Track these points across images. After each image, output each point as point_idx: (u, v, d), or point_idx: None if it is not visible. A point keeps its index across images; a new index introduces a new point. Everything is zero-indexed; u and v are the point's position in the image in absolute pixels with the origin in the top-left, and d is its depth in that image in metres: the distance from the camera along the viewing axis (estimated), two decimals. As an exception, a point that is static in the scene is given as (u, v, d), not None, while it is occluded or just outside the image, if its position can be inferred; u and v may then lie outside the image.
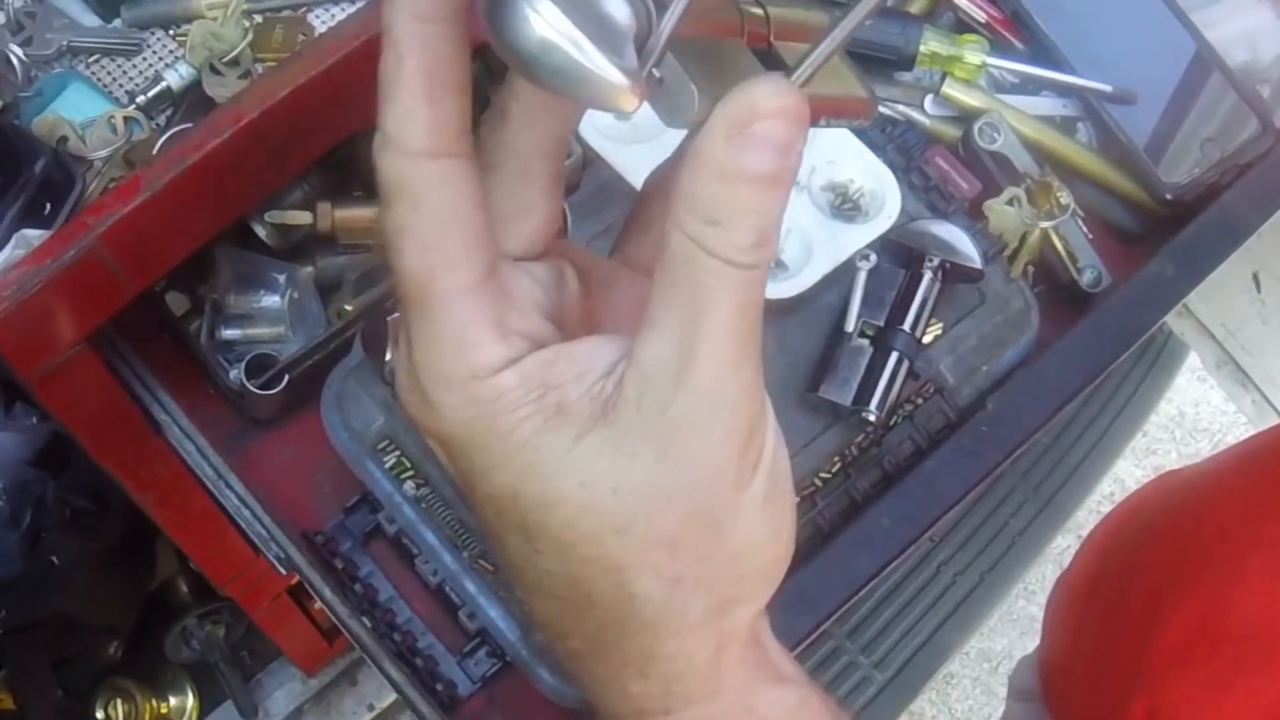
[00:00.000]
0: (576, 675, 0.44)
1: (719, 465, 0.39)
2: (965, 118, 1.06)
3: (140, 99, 0.89)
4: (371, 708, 1.51)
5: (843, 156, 0.97)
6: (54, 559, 1.02)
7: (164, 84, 0.90)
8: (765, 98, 0.36)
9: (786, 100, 0.36)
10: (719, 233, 0.36)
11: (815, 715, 0.45)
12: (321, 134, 0.82)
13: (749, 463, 0.39)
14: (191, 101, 0.91)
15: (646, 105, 0.42)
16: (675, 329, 0.38)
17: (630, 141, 0.93)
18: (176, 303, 0.96)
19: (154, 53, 0.92)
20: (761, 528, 0.41)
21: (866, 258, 0.93)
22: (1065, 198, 1.01)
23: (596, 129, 0.93)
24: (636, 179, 0.91)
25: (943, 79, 1.05)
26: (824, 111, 0.41)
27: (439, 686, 0.90)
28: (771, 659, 0.45)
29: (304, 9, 0.93)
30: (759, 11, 0.41)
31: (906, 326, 0.91)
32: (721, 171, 0.36)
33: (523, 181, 0.42)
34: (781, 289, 0.91)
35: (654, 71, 0.37)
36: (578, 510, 0.39)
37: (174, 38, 0.93)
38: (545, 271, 0.43)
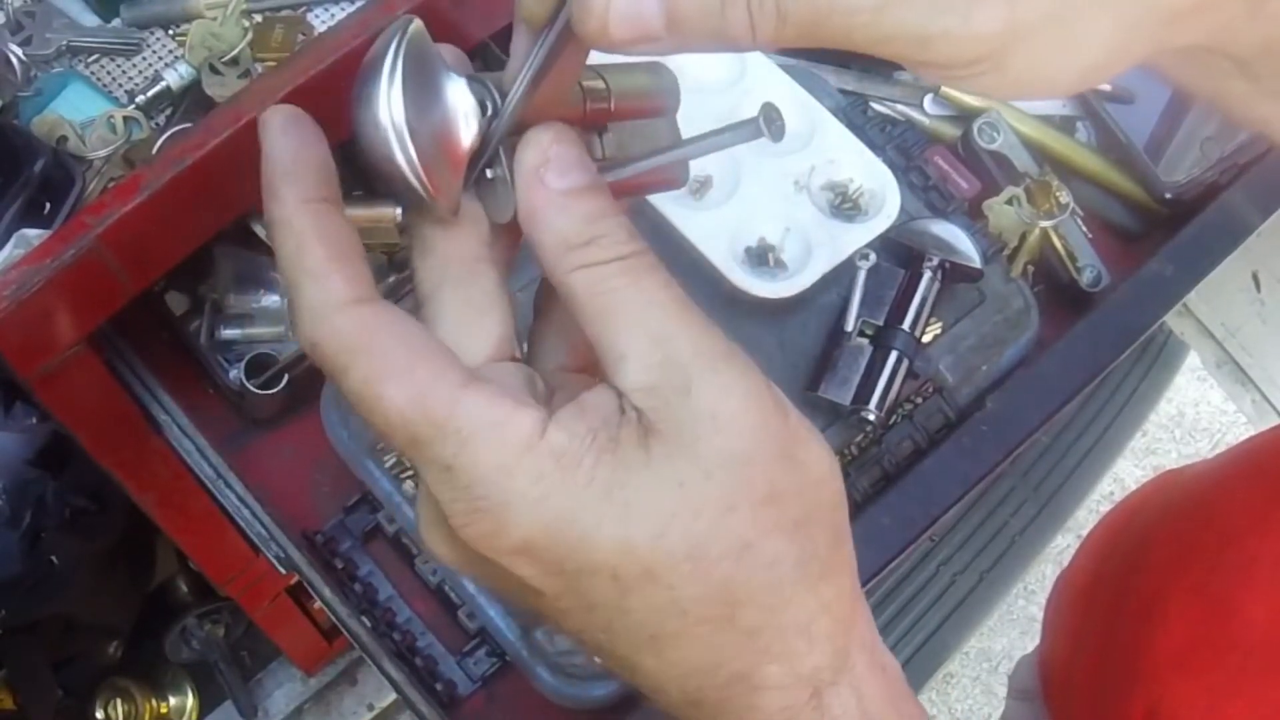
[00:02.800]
0: (737, 689, 0.42)
1: (764, 408, 0.40)
2: (964, 117, 1.06)
3: (140, 99, 0.89)
4: (371, 707, 1.51)
5: (842, 156, 0.97)
6: (54, 559, 1.02)
7: (163, 84, 0.90)
8: (541, 136, 0.41)
9: (556, 130, 0.41)
10: (594, 247, 0.40)
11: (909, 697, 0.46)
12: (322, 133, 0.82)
13: (772, 399, 0.41)
14: (191, 101, 0.91)
15: None
16: (633, 337, 0.40)
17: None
18: (176, 302, 0.96)
19: (153, 52, 0.92)
20: (817, 447, 0.42)
21: (866, 257, 0.93)
22: (1065, 197, 1.01)
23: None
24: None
25: (942, 78, 1.05)
26: (630, 191, 0.45)
27: (438, 686, 0.90)
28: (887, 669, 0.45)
29: (303, 8, 0.93)
30: (600, 84, 0.44)
31: (906, 326, 0.91)
32: (550, 203, 0.40)
33: (469, 291, 0.43)
34: (781, 288, 0.91)
35: (486, 171, 0.42)
36: (689, 515, 0.39)
37: (173, 37, 0.93)
38: (516, 369, 0.43)
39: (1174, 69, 0.47)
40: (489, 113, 0.41)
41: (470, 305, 0.42)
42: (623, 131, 0.45)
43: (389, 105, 0.39)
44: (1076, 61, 0.39)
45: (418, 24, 0.40)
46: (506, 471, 0.38)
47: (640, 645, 0.41)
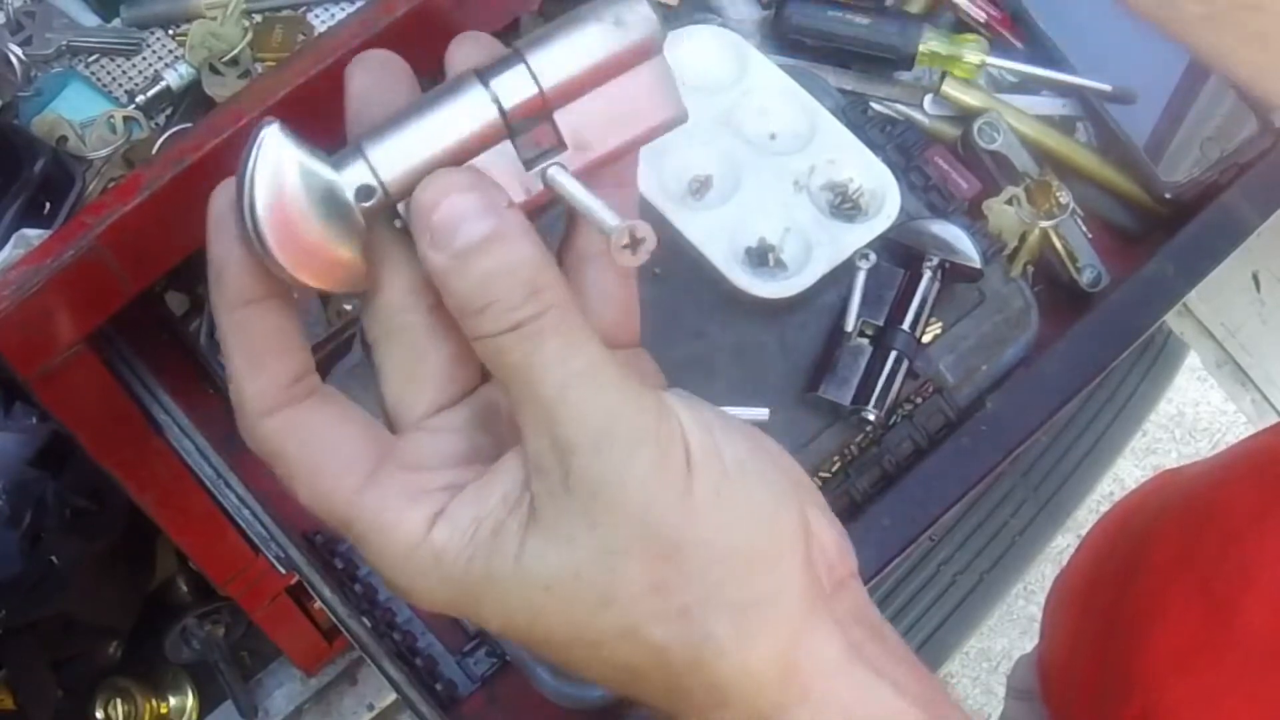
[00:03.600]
0: None
1: (646, 497, 0.39)
2: (965, 117, 1.06)
3: (140, 98, 0.89)
4: (371, 707, 1.51)
5: (842, 156, 0.97)
6: (54, 559, 1.02)
7: (163, 83, 0.90)
8: (422, 198, 0.39)
9: (437, 186, 0.39)
10: (484, 316, 0.38)
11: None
12: (320, 134, 0.82)
13: (674, 472, 0.39)
14: (191, 101, 0.91)
15: None
16: (529, 414, 0.39)
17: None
18: (176, 302, 0.96)
19: (153, 52, 0.93)
20: (735, 519, 0.40)
21: (866, 257, 0.93)
22: (1064, 197, 1.01)
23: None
24: (636, 178, 0.91)
25: (942, 78, 1.05)
26: (617, 156, 0.42)
27: (438, 686, 0.90)
28: (868, 643, 0.43)
29: (303, 8, 0.93)
30: (527, 87, 0.41)
31: (906, 326, 0.91)
32: (443, 271, 0.39)
33: (405, 341, 0.43)
34: (781, 288, 0.91)
35: (396, 223, 0.41)
36: (561, 608, 0.40)
37: (173, 37, 0.93)
38: (466, 410, 0.43)
39: None
40: (364, 191, 0.40)
41: (408, 356, 0.43)
42: (588, 106, 0.41)
43: (248, 202, 0.39)
44: None
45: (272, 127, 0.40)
46: (398, 567, 0.41)
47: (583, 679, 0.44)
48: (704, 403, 0.42)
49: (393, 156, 0.40)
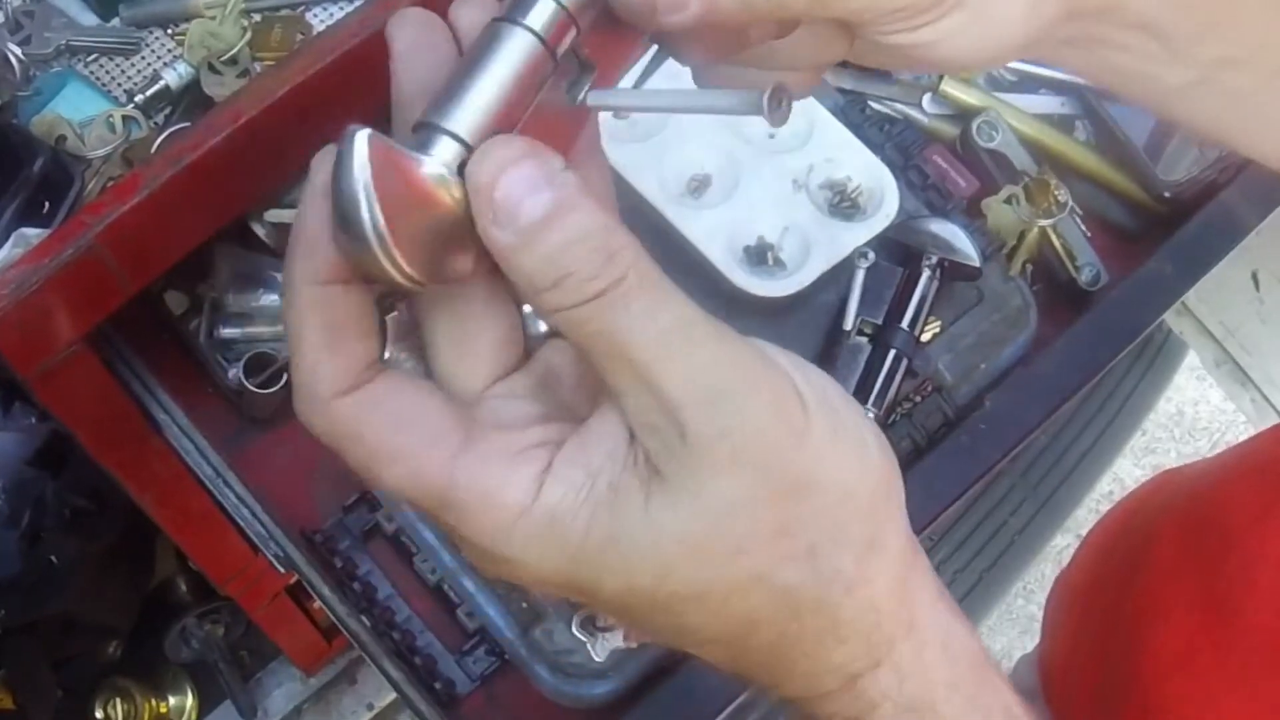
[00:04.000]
0: (786, 688, 0.43)
1: (766, 443, 0.38)
2: (963, 116, 1.06)
3: (139, 98, 0.89)
4: (371, 707, 1.51)
5: (841, 155, 0.97)
6: (53, 559, 1.02)
7: (162, 83, 0.90)
8: (480, 175, 0.37)
9: (493, 160, 0.37)
10: (560, 290, 0.37)
11: (985, 660, 0.45)
12: (320, 133, 0.82)
13: (792, 417, 0.39)
14: (190, 100, 0.91)
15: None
16: (624, 377, 0.38)
17: (630, 141, 0.93)
18: (175, 301, 0.96)
19: (152, 52, 0.93)
20: (847, 460, 0.40)
21: (865, 256, 0.93)
22: (1063, 196, 1.01)
23: (595, 128, 0.93)
24: (636, 177, 0.91)
25: (940, 77, 1.05)
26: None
27: (438, 685, 0.90)
28: (943, 588, 0.44)
29: (302, 8, 0.93)
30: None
31: (905, 324, 0.91)
32: (510, 250, 0.37)
33: (455, 314, 0.42)
34: (779, 287, 0.91)
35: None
36: (691, 564, 0.39)
37: (172, 37, 0.93)
38: (527, 378, 0.42)
39: (1095, 61, 0.47)
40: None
41: (459, 328, 0.42)
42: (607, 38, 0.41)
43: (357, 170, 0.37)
44: (1005, 25, 0.41)
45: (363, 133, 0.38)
46: (505, 537, 0.39)
47: (679, 646, 0.42)
48: (792, 352, 0.42)
49: (471, 122, 0.39)
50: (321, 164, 0.39)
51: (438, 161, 0.38)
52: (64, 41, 0.90)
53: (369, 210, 0.37)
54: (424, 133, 0.39)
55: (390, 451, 0.39)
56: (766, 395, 0.39)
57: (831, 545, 0.40)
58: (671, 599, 0.39)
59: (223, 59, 0.90)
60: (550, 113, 0.41)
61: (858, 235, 0.94)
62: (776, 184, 0.95)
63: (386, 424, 0.39)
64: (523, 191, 0.37)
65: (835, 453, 0.40)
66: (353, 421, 0.39)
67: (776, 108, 0.40)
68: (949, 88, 1.05)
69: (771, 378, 0.39)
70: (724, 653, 0.42)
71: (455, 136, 0.38)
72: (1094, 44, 0.46)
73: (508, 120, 0.39)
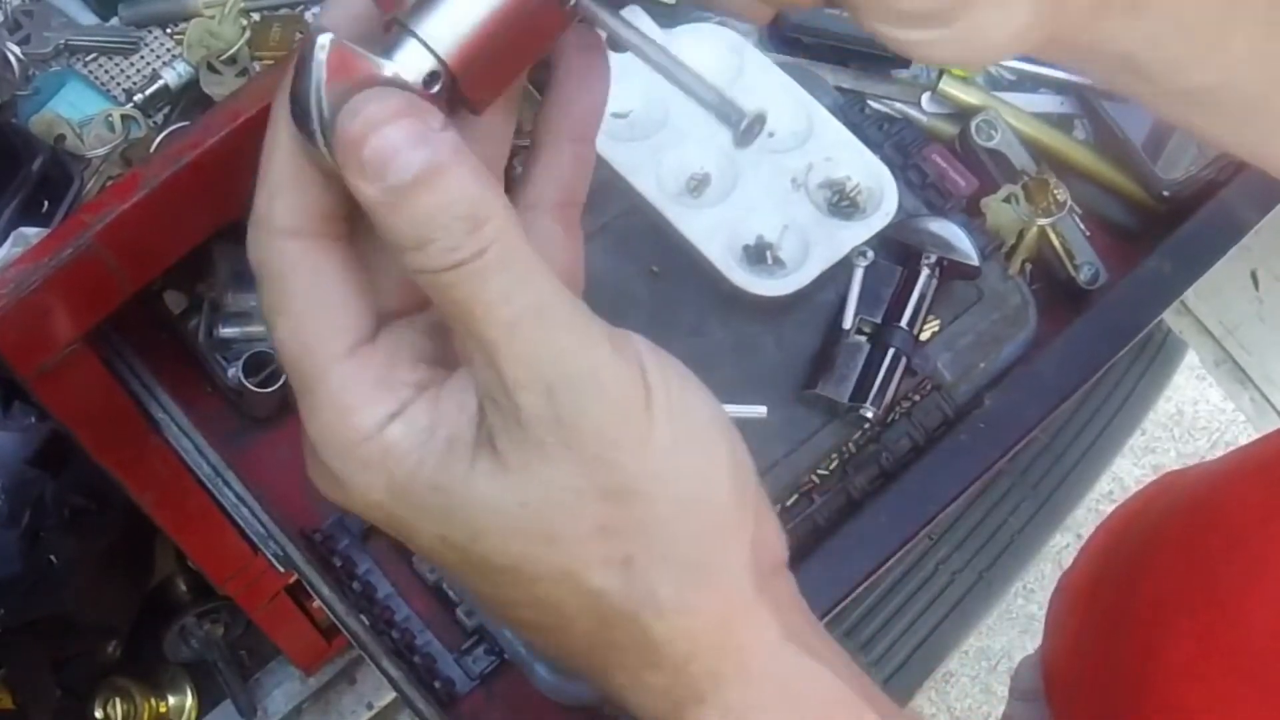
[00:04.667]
0: (607, 691, 0.43)
1: (602, 440, 0.38)
2: (962, 115, 1.06)
3: (138, 97, 0.90)
4: (370, 706, 1.51)
5: (840, 154, 0.97)
6: (53, 558, 1.02)
7: (161, 82, 0.90)
8: (350, 128, 0.37)
9: (367, 114, 0.36)
10: (423, 254, 0.36)
11: (853, 704, 0.42)
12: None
13: (635, 419, 0.38)
14: (189, 99, 0.91)
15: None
16: (476, 350, 0.38)
17: (628, 139, 0.93)
18: (174, 301, 0.96)
19: (151, 51, 0.93)
20: (687, 477, 0.39)
21: (864, 255, 0.93)
22: (1062, 195, 1.01)
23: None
24: (634, 177, 0.91)
25: (940, 76, 1.05)
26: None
27: (437, 684, 0.90)
28: (804, 630, 0.42)
29: (300, 7, 0.93)
30: None
31: (904, 324, 0.91)
32: (376, 206, 0.36)
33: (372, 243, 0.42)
34: (779, 286, 0.91)
35: None
36: (501, 534, 0.39)
37: (171, 36, 0.93)
38: (432, 316, 0.42)
39: (1093, 67, 0.47)
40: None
41: (379, 254, 0.41)
42: None
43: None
44: (1012, 20, 0.40)
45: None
46: (343, 454, 0.39)
47: (495, 617, 0.44)
48: (669, 355, 0.40)
49: (445, 31, 0.37)
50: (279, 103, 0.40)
51: (396, 69, 0.37)
52: (63, 41, 0.90)
53: (317, 110, 0.37)
54: (395, 33, 0.38)
55: (296, 310, 0.39)
56: (611, 392, 0.38)
57: (650, 561, 0.39)
58: (483, 563, 0.39)
59: (222, 58, 0.90)
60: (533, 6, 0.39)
61: (857, 234, 0.94)
62: (775, 183, 0.95)
63: (309, 285, 0.39)
64: (395, 149, 0.36)
65: (675, 465, 0.39)
66: (286, 264, 0.39)
67: (748, 131, 0.39)
68: (948, 87, 1.05)
69: (621, 376, 0.38)
70: (543, 641, 0.42)
71: (425, 45, 0.37)
72: (1080, 64, 0.46)
73: (490, 43, 0.38)
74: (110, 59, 0.92)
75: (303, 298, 0.39)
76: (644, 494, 0.38)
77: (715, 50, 0.99)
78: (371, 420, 0.39)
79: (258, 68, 0.90)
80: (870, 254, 0.93)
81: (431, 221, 0.36)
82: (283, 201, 0.39)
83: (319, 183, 0.39)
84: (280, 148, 0.39)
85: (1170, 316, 1.82)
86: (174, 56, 0.91)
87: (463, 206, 0.36)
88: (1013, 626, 1.84)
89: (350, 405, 0.39)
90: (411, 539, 0.41)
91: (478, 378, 0.39)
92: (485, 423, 0.39)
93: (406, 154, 0.36)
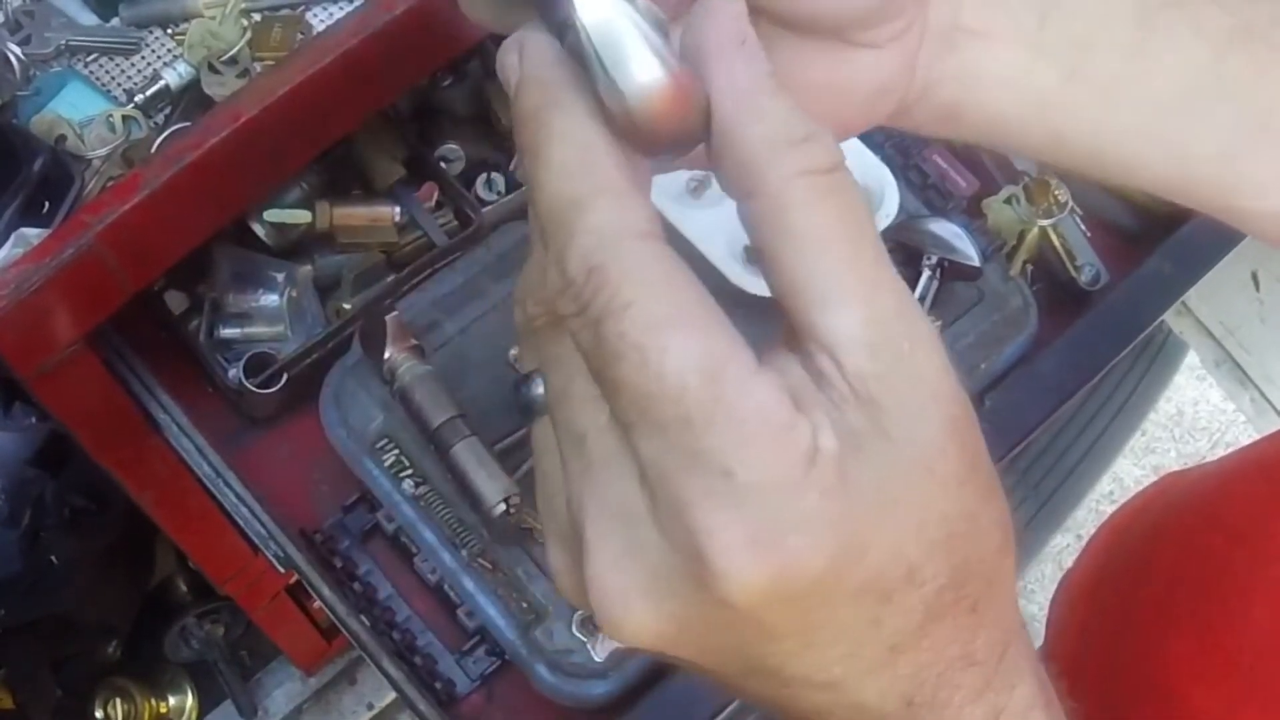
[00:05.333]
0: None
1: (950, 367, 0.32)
2: (963, 116, 1.05)
3: (139, 98, 0.89)
4: (371, 706, 1.51)
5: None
6: (53, 558, 1.02)
7: (162, 83, 0.90)
8: (730, 7, 0.33)
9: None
10: (815, 145, 0.32)
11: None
12: (320, 133, 0.82)
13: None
14: (190, 100, 0.91)
15: None
16: (853, 279, 0.32)
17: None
18: (175, 301, 0.96)
19: (152, 51, 0.93)
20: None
21: (865, 256, 0.93)
22: (1063, 196, 1.01)
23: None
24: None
25: (941, 77, 1.05)
26: None
27: (438, 685, 0.90)
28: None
29: (302, 8, 0.93)
30: None
31: (905, 324, 0.91)
32: (769, 87, 0.32)
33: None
34: (780, 287, 0.91)
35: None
36: (941, 498, 0.32)
37: (172, 36, 0.93)
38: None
39: (966, 82, 0.45)
40: None
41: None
42: None
43: None
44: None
45: None
46: (796, 489, 0.30)
47: (872, 665, 0.34)
48: None
49: None
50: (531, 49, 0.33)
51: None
52: (64, 41, 0.90)
53: (645, 40, 0.31)
54: None
55: (695, 320, 0.31)
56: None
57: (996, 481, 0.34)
58: (925, 554, 0.32)
59: (223, 59, 0.90)
60: None
61: (858, 235, 0.94)
62: (776, 184, 0.95)
63: (696, 292, 0.32)
64: (757, 41, 0.33)
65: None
66: (662, 267, 0.31)
67: None
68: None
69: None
70: (931, 647, 0.34)
71: None
72: (956, 42, 0.43)
73: None
74: (111, 59, 0.92)
75: (700, 306, 0.32)
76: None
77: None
78: (810, 431, 0.30)
79: (259, 68, 0.89)
80: (871, 255, 0.93)
81: (807, 116, 0.32)
82: (641, 200, 0.32)
83: (643, 185, 0.33)
84: (597, 144, 0.32)
85: (1171, 317, 1.82)
86: (175, 57, 0.91)
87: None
88: (1013, 627, 1.83)
89: (788, 420, 0.30)
90: (866, 571, 0.31)
91: (847, 319, 0.31)
92: (853, 388, 0.31)
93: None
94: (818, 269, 0.32)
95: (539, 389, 0.36)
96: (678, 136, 0.33)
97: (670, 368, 0.30)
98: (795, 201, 0.32)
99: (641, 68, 0.31)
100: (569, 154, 0.32)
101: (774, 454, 0.30)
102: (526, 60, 0.34)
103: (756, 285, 0.91)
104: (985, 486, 0.33)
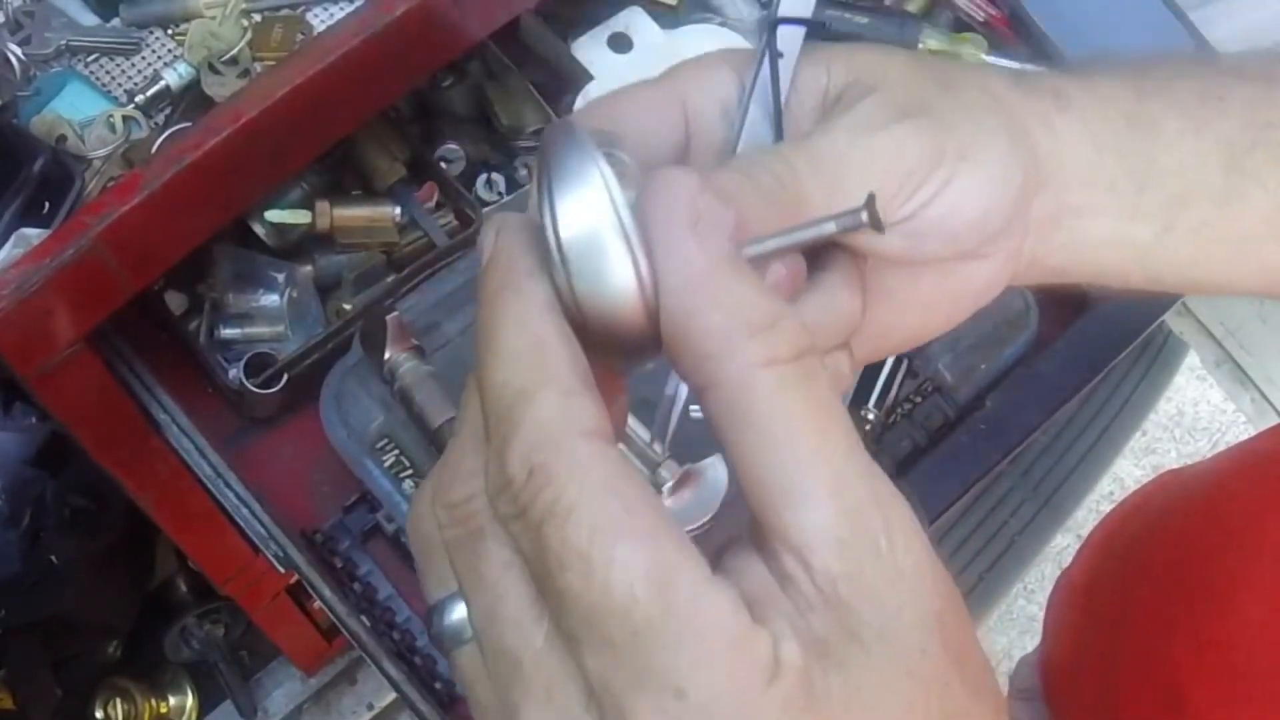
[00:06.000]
0: None
1: (932, 552, 0.31)
2: (964, 116, 1.05)
3: (139, 98, 0.89)
4: (371, 707, 1.51)
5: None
6: (53, 558, 1.02)
7: (163, 83, 0.90)
8: (683, 185, 0.31)
9: (690, 175, 0.32)
10: (779, 332, 0.30)
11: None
12: (320, 133, 0.82)
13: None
14: (190, 100, 0.91)
15: None
16: (821, 471, 0.30)
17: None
18: (175, 301, 0.96)
19: (153, 52, 0.92)
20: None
21: (865, 256, 0.93)
22: (1064, 196, 1.01)
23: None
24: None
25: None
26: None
27: (438, 685, 0.90)
28: None
29: (302, 8, 0.93)
30: None
31: (905, 325, 0.91)
32: (729, 269, 0.31)
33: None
34: (780, 288, 0.91)
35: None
36: (923, 701, 0.30)
37: (173, 37, 0.93)
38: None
39: (1071, 244, 0.48)
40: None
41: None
42: None
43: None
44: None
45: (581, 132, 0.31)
46: (754, 707, 0.28)
47: None
48: None
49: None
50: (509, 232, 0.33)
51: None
52: (64, 41, 0.90)
53: (628, 249, 0.30)
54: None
55: (641, 528, 0.29)
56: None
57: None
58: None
59: (223, 59, 0.90)
60: None
61: (858, 235, 0.94)
62: (777, 184, 0.95)
63: (642, 496, 0.30)
64: (725, 217, 0.32)
65: None
66: (608, 470, 0.30)
67: (874, 215, 0.36)
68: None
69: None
70: None
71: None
72: (1061, 222, 0.46)
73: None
74: (111, 60, 0.92)
75: (648, 512, 0.29)
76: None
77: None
78: (768, 643, 0.29)
79: (259, 69, 0.89)
80: (871, 255, 0.93)
81: (775, 298, 0.31)
82: (589, 399, 0.30)
83: (590, 382, 0.31)
84: (550, 337, 0.31)
85: (1171, 317, 1.83)
86: (175, 57, 0.91)
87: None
88: (1013, 627, 1.84)
89: (744, 632, 0.29)
90: None
91: (816, 516, 0.30)
92: (820, 592, 0.30)
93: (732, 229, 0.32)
94: (783, 464, 0.30)
95: (456, 614, 0.33)
96: (636, 354, 0.32)
97: (617, 579, 0.28)
98: (758, 394, 0.30)
99: (596, 282, 0.30)
100: (520, 343, 0.31)
101: (729, 669, 0.28)
102: (500, 240, 0.33)
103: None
104: (975, 681, 0.31)
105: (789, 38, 0.41)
